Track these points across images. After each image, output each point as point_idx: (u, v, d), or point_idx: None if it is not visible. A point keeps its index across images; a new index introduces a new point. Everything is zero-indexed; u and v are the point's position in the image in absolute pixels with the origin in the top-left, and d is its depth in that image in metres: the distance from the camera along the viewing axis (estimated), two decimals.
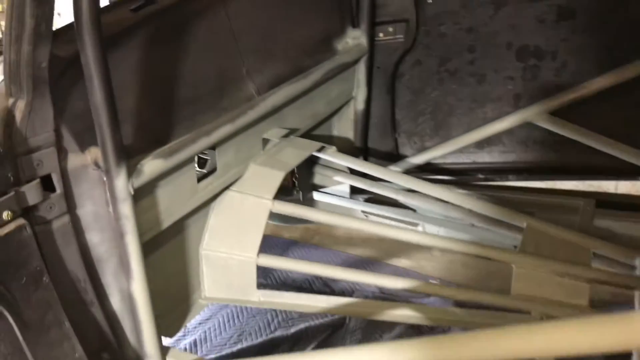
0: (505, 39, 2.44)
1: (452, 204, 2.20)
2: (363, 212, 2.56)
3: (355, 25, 2.54)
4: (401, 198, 2.33)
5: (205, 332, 2.79)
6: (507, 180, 2.68)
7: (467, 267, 3.16)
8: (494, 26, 2.44)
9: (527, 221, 1.89)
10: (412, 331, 2.62)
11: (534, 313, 1.69)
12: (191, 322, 2.82)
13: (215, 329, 2.79)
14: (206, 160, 2.62)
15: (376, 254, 3.32)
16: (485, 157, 2.70)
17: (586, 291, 1.72)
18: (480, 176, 2.71)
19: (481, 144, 2.65)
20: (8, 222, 1.23)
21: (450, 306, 2.56)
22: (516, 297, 1.72)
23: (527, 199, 2.43)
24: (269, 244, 3.51)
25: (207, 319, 2.87)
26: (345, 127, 2.72)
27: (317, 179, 2.54)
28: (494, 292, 1.83)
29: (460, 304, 2.35)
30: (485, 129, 2.50)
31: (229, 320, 2.84)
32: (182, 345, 2.73)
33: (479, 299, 1.76)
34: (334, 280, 2.97)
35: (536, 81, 2.45)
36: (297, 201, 2.55)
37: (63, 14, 3.51)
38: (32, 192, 1.28)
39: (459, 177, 2.74)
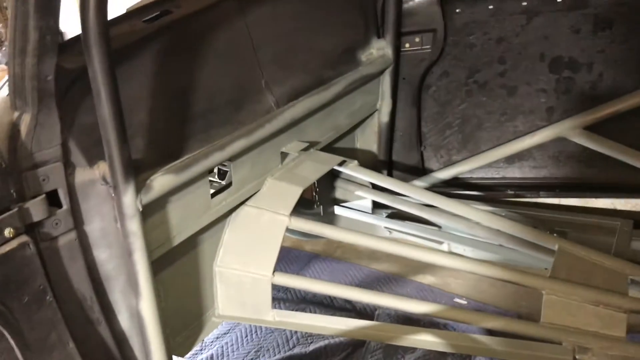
0: (537, 49, 2.33)
1: (479, 223, 2.09)
2: (386, 228, 2.47)
3: (380, 35, 2.46)
4: (425, 215, 2.24)
5: (222, 347, 2.73)
6: (538, 197, 2.56)
7: (495, 287, 3.03)
8: (526, 36, 2.34)
9: (559, 243, 1.77)
10: (435, 353, 2.51)
11: (566, 344, 1.58)
12: (208, 337, 2.77)
13: (232, 344, 2.73)
14: (226, 172, 2.57)
15: (400, 270, 3.22)
16: (515, 172, 2.59)
17: (623, 321, 1.60)
18: (510, 192, 2.60)
19: (511, 159, 2.54)
20: (10, 239, 1.19)
21: (476, 330, 2.45)
22: (546, 326, 1.61)
23: (559, 217, 2.31)
24: (290, 258, 3.44)
25: (225, 334, 2.82)
26: (368, 140, 2.64)
27: (339, 193, 2.47)
28: (523, 319, 1.73)
29: (487, 329, 2.23)
30: (516, 143, 2.39)
31: (246, 336, 2.78)
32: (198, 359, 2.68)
33: (507, 327, 1.66)
34: None
35: (570, 94, 2.33)
36: (317, 215, 2.48)
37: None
38: (36, 208, 1.24)
39: (487, 192, 2.63)
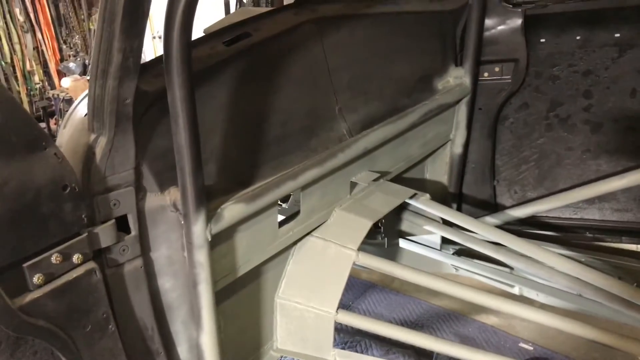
0: (629, 84, 2.17)
1: (557, 270, 1.94)
2: (453, 265, 2.34)
3: (458, 63, 2.36)
4: (497, 255, 2.09)
5: None
6: (620, 242, 2.37)
7: (564, 333, 2.83)
8: (616, 70, 2.18)
9: None
10: None
11: None
12: None
13: None
14: (289, 196, 2.51)
15: (461, 307, 3.06)
16: (595, 214, 2.41)
17: None
18: (589, 235, 2.42)
19: (591, 199, 2.36)
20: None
21: None
22: None
23: None
24: (346, 285, 3.34)
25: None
26: (439, 171, 2.52)
27: (405, 226, 2.35)
28: None
29: None
30: (602, 185, 2.21)
31: None
32: None
33: None
34: None
35: None
36: (381, 247, 2.37)
37: None
38: (106, 234, 1.20)
39: (563, 233, 2.46)
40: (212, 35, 1.47)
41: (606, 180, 2.22)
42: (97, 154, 1.17)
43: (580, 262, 2.01)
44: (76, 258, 1.14)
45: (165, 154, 1.29)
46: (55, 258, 1.09)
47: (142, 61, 1.26)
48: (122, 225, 1.26)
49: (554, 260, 1.89)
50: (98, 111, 1.15)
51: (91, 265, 1.17)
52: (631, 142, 2.23)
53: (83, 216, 1.15)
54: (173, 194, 1.30)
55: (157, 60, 1.27)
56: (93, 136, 1.18)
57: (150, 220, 1.31)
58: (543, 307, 1.89)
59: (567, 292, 2.06)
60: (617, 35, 2.14)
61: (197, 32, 1.61)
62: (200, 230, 1.29)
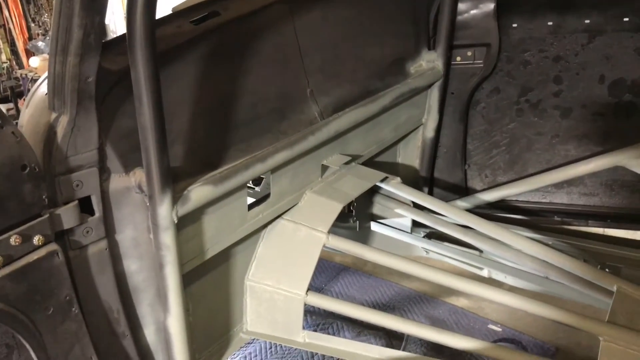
0: (597, 70, 2.19)
1: (525, 253, 1.97)
2: (423, 248, 2.36)
3: (431, 47, 2.35)
4: (466, 238, 2.12)
5: (245, 357, 2.65)
6: (587, 225, 2.42)
7: (532, 315, 2.89)
8: (586, 56, 2.20)
9: (618, 284, 1.64)
10: None
11: None
12: None
13: (255, 356, 2.66)
14: (261, 178, 2.50)
15: (432, 290, 3.10)
16: (563, 198, 2.45)
17: None
18: (557, 218, 2.46)
19: (560, 183, 2.40)
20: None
21: None
22: None
23: (611, 251, 2.16)
24: (319, 268, 3.35)
25: (249, 344, 2.74)
26: (411, 155, 2.53)
27: (377, 209, 2.36)
28: (561, 351, 1.59)
29: None
30: (569, 169, 2.25)
31: (270, 347, 2.70)
32: None
33: None
34: None
35: (631, 119, 2.19)
36: (352, 230, 2.38)
37: None
38: (68, 215, 1.17)
39: (532, 217, 2.49)
40: (179, 13, 1.44)
41: (574, 165, 2.26)
42: (58, 133, 1.15)
43: (547, 245, 2.05)
44: (37, 240, 1.11)
45: (130, 134, 1.26)
46: (14, 239, 1.07)
47: None
48: (85, 206, 1.24)
49: (522, 243, 1.93)
50: (58, 89, 1.12)
51: (53, 247, 1.15)
52: (599, 128, 2.26)
53: (44, 197, 1.12)
54: (138, 175, 1.28)
55: (121, 38, 1.23)
56: (54, 115, 1.15)
57: (115, 201, 1.29)
58: (511, 289, 1.92)
59: (534, 275, 2.10)
60: (587, 21, 2.16)
61: (166, 11, 1.58)
62: (166, 212, 1.28)
